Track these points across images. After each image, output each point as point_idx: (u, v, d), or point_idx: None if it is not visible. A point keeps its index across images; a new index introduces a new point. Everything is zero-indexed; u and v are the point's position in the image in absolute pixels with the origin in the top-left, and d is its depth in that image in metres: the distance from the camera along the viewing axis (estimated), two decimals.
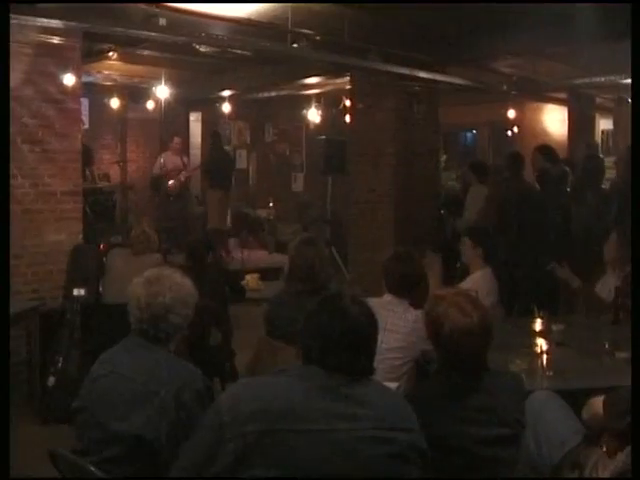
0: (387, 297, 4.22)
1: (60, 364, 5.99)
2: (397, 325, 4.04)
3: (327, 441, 2.23)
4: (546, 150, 7.58)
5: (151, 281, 2.99)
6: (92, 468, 2.60)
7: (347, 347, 2.35)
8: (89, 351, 5.90)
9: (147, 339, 2.90)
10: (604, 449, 3.14)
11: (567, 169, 8.28)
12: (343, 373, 2.34)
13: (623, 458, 2.89)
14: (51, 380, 5.95)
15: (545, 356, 4.13)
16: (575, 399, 3.49)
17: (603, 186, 8.31)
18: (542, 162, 7.39)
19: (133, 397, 2.72)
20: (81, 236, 6.64)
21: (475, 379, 2.93)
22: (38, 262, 6.33)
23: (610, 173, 8.96)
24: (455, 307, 2.95)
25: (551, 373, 3.99)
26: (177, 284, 3.00)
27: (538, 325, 4.47)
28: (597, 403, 3.10)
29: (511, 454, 2.90)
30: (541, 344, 4.23)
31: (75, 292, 6.24)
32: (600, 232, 6.30)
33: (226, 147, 13.82)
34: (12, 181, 6.06)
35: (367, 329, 2.43)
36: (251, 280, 6.88)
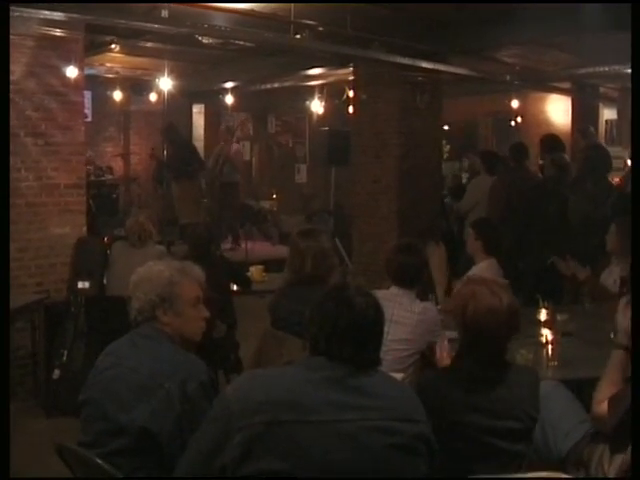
0: (393, 289, 4.23)
1: (65, 357, 6.00)
2: (403, 317, 4.05)
3: (334, 432, 2.23)
4: (551, 140, 7.56)
5: None
6: (98, 460, 2.60)
7: (353, 338, 2.36)
8: (94, 343, 5.93)
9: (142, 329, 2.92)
10: (609, 445, 3.13)
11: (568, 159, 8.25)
12: (350, 364, 2.34)
13: (628, 454, 2.88)
14: (56, 373, 5.96)
15: (550, 346, 4.13)
16: (580, 389, 3.49)
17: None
18: (546, 152, 7.37)
19: (138, 389, 2.71)
20: (85, 229, 6.64)
21: (493, 369, 2.93)
22: (42, 255, 6.33)
23: (617, 163, 8.90)
24: (484, 287, 2.95)
25: (556, 363, 3.99)
26: (142, 270, 2.99)
27: (543, 315, 4.47)
28: (603, 402, 3.09)
29: (521, 448, 2.89)
30: (546, 334, 4.23)
31: (79, 285, 6.26)
32: (599, 223, 6.26)
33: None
34: (16, 174, 6.07)
35: (373, 320, 2.42)
36: (255, 272, 6.87)
